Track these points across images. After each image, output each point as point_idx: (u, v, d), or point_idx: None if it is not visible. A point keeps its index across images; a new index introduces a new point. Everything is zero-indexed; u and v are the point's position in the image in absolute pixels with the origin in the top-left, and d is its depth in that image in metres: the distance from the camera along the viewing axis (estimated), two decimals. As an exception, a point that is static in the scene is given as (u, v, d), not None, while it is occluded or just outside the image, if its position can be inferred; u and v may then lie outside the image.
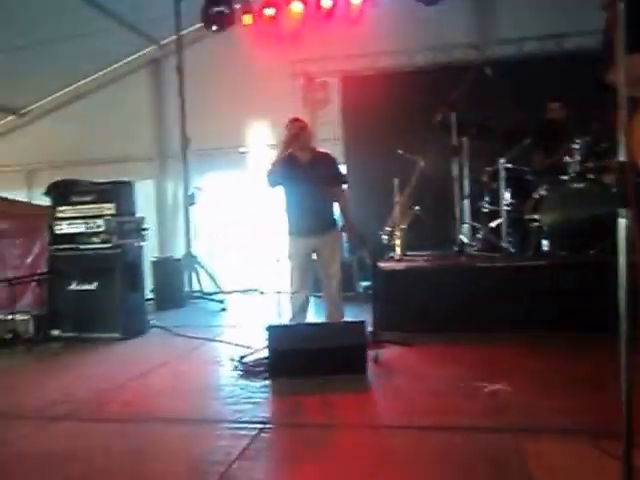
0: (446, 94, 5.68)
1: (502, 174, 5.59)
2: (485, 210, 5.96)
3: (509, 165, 5.66)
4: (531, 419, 3.00)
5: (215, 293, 8.09)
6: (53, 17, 7.12)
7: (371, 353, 4.17)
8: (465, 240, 5.77)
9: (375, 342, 4.58)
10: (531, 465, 2.46)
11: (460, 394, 3.46)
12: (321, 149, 4.94)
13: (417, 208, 6.10)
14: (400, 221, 5.99)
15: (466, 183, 6.03)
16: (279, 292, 4.86)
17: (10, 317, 5.66)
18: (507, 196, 5.65)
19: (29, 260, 7.56)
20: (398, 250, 5.92)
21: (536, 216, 5.29)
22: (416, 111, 6.86)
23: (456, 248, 5.65)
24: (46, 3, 6.83)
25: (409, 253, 6.01)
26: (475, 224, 6.00)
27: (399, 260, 5.78)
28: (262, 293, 8.31)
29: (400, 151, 6.02)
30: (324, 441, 2.90)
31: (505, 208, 5.59)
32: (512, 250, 5.48)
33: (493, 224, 5.79)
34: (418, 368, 4.15)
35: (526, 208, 5.44)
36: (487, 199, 5.96)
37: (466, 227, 5.96)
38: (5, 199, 7.90)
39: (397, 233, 5.96)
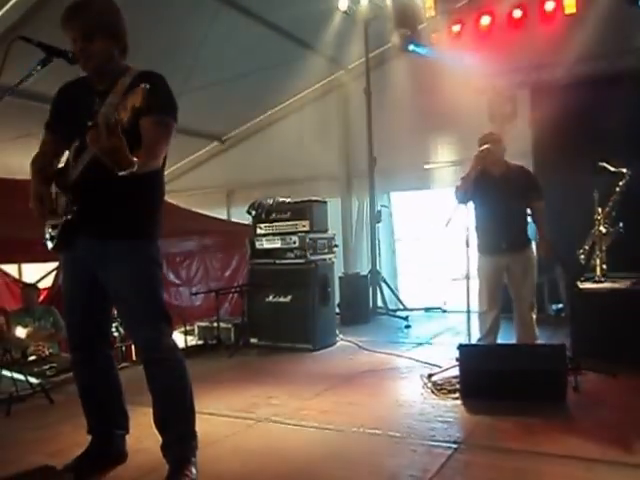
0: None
1: None
2: None
3: None
4: None
5: (399, 310, 8.15)
6: (251, 52, 7.75)
7: (570, 380, 3.92)
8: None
9: (574, 368, 4.27)
10: None
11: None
12: (515, 162, 4.78)
13: (620, 225, 5.60)
14: (601, 239, 5.56)
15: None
16: (467, 311, 4.74)
17: (215, 325, 6.23)
18: None
19: (227, 273, 8.29)
20: (598, 271, 5.50)
21: None
22: (620, 119, 6.34)
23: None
24: (248, 40, 7.46)
25: (610, 274, 5.55)
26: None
27: (600, 281, 5.37)
28: (444, 312, 8.20)
29: (602, 163, 5.58)
30: (524, 468, 2.78)
31: None
32: None
33: None
34: (626, 400, 3.81)
35: None
36: None
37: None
38: (209, 217, 8.76)
39: (597, 252, 5.54)
